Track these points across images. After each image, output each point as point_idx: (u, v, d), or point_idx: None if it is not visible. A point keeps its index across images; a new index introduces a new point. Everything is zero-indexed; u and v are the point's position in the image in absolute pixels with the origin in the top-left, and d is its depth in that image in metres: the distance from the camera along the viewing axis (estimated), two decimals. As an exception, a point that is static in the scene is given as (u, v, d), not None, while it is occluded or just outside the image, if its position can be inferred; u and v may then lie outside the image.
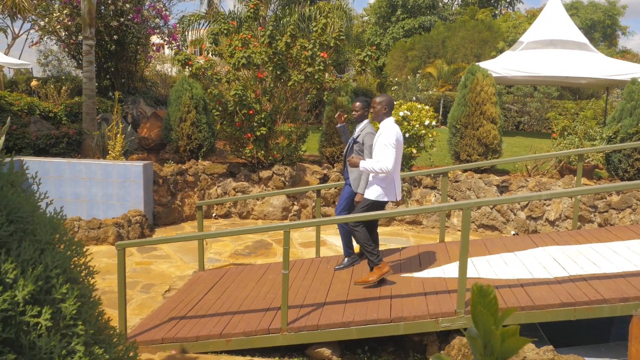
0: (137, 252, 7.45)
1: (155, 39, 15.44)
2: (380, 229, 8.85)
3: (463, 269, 4.39)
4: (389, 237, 8.36)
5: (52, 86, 14.23)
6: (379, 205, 5.12)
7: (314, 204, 9.28)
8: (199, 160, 9.79)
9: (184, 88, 9.87)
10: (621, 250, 5.54)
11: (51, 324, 1.05)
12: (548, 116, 17.61)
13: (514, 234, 8.55)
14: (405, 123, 9.21)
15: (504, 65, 15.01)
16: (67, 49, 14.34)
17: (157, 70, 19.86)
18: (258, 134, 9.23)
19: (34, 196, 1.19)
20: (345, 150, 5.80)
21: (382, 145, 4.95)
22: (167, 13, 14.74)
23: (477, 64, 10.09)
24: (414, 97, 18.51)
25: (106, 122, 10.87)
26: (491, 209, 8.83)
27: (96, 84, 11.10)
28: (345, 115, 6.01)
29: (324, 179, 9.66)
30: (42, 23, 13.34)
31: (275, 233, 8.19)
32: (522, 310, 4.34)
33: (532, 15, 28.43)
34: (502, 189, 8.84)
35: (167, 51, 18.43)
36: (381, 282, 5.26)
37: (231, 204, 9.49)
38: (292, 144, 9.78)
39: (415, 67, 23.11)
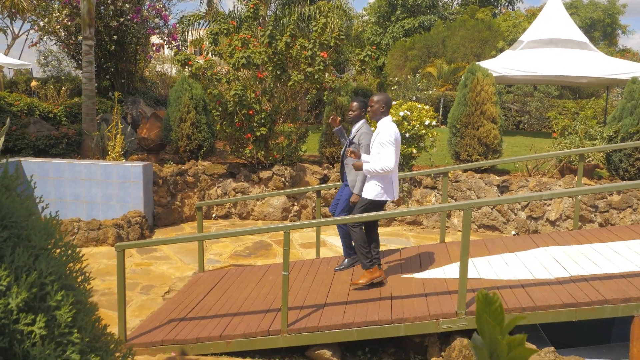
0: (137, 253, 7.43)
1: (155, 39, 15.42)
2: (380, 230, 8.83)
3: (464, 269, 4.37)
4: (389, 238, 8.34)
5: (51, 87, 14.22)
6: (377, 204, 5.10)
7: (314, 205, 9.26)
8: (199, 161, 9.78)
9: (183, 88, 9.85)
10: (622, 250, 5.52)
11: (45, 333, 1.03)
12: (548, 115, 17.60)
13: (514, 234, 8.54)
14: (406, 123, 9.19)
15: (504, 64, 14.99)
16: (66, 49, 14.32)
17: (157, 70, 19.85)
18: (258, 134, 9.21)
19: (29, 200, 1.17)
20: (342, 152, 5.79)
21: (382, 144, 4.93)
22: (167, 13, 14.72)
23: (477, 63, 10.07)
24: (414, 97, 18.48)
25: (106, 122, 10.85)
26: (491, 209, 8.81)
27: (96, 85, 11.09)
28: (339, 118, 5.99)
29: (324, 179, 9.64)
30: (41, 23, 13.32)
31: (275, 234, 8.17)
32: (523, 311, 4.32)
33: (532, 14, 28.42)
34: (503, 189, 8.82)
35: (167, 51, 18.42)
36: (381, 283, 5.25)
37: (231, 204, 9.47)
38: (292, 144, 9.76)
39: (415, 67, 23.09)
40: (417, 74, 21.32)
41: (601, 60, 14.96)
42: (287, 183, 9.38)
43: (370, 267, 5.15)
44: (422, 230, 9.00)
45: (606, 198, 8.31)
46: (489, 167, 9.32)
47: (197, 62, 9.39)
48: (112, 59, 13.51)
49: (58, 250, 1.19)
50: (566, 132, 9.70)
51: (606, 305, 4.30)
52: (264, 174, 9.41)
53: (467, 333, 4.41)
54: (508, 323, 0.97)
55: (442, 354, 4.51)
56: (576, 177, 8.38)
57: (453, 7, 33.87)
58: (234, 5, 31.57)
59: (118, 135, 9.34)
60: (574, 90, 22.58)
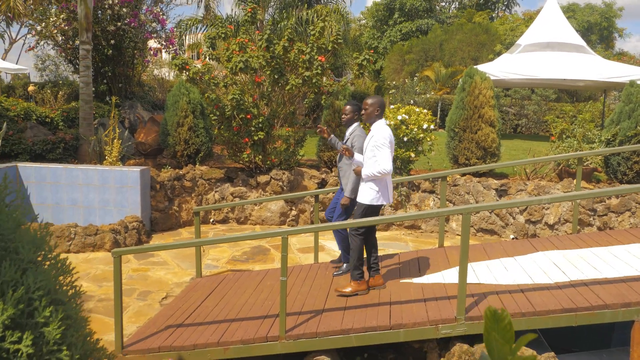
0: (134, 259, 7.39)
1: (152, 44, 15.39)
2: (378, 234, 8.81)
3: (463, 274, 4.34)
4: (387, 242, 8.31)
5: (48, 91, 14.18)
6: (374, 209, 5.06)
7: (312, 209, 9.23)
8: (197, 166, 9.74)
9: (181, 93, 9.82)
10: (622, 254, 5.50)
11: (33, 351, 0.99)
12: (546, 119, 17.61)
13: (513, 238, 8.51)
14: (404, 127, 9.17)
15: (502, 68, 14.99)
16: (64, 54, 14.29)
17: (155, 74, 19.81)
18: (256, 138, 9.19)
19: (18, 210, 1.13)
20: (338, 157, 5.79)
21: (377, 147, 4.89)
22: (165, 17, 14.70)
23: (475, 67, 10.06)
24: (411, 101, 18.48)
25: (103, 127, 10.81)
26: (490, 213, 8.79)
27: (93, 89, 11.05)
28: (326, 128, 6.04)
29: (322, 183, 9.61)
30: (39, 28, 13.29)
31: (273, 238, 8.14)
32: (523, 317, 4.29)
33: (529, 18, 28.48)
34: (501, 192, 8.81)
35: (164, 55, 18.41)
36: (380, 288, 5.22)
37: (229, 209, 9.43)
38: (290, 148, 9.74)
39: (412, 71, 23.10)
40: (415, 78, 21.32)
41: (598, 64, 14.98)
42: (285, 187, 9.35)
43: (359, 279, 5.14)
44: (420, 234, 8.97)
45: (605, 201, 8.30)
46: (488, 170, 9.30)
47: (195, 66, 9.37)
48: (109, 63, 13.48)
49: (47, 263, 1.15)
50: (564, 136, 9.69)
51: (606, 310, 4.27)
52: (262, 179, 9.38)
53: (466, 339, 4.38)
54: (519, 342, 0.94)
55: (442, 359, 4.47)
56: (574, 181, 8.37)
57: (450, 11, 33.94)
58: (232, 10, 31.57)
59: (115, 140, 9.30)
60: (572, 93, 22.61)
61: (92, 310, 5.69)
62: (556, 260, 5.49)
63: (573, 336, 5.13)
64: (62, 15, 12.88)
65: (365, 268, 5.28)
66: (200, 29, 21.35)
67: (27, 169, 8.62)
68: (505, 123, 19.43)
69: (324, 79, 9.58)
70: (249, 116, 9.11)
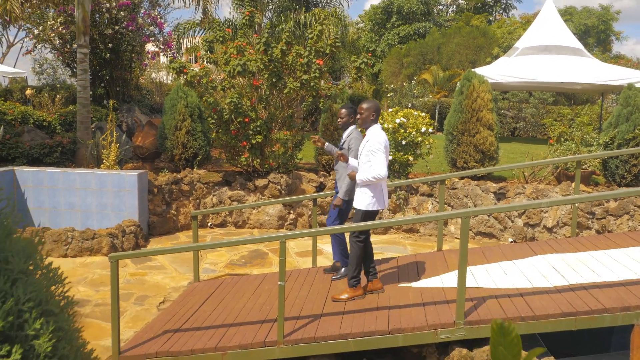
0: (132, 263, 7.36)
1: (150, 47, 15.38)
2: (377, 237, 8.80)
3: (462, 278, 4.32)
4: (385, 246, 8.29)
5: (46, 95, 14.14)
6: (370, 215, 5.05)
7: (310, 213, 9.21)
8: (194, 169, 9.72)
9: (179, 96, 9.80)
10: (621, 257, 5.49)
11: (22, 365, 0.97)
12: (544, 122, 17.63)
13: (511, 242, 8.50)
14: (402, 130, 9.16)
15: (500, 71, 15.01)
16: (61, 57, 14.26)
17: (152, 78, 19.79)
18: (254, 142, 9.17)
19: (8, 219, 1.11)
20: (335, 160, 5.78)
21: (372, 151, 4.87)
22: (162, 21, 14.70)
23: (473, 70, 10.06)
24: (409, 104, 18.49)
25: (100, 130, 10.79)
26: (488, 216, 8.78)
27: (91, 93, 11.03)
28: (319, 138, 6.06)
29: (320, 187, 9.59)
30: (36, 31, 13.27)
31: (271, 242, 8.10)
32: (522, 321, 4.27)
33: (526, 21, 28.56)
34: (500, 196, 8.79)
35: (162, 59, 18.39)
36: (378, 292, 5.20)
37: (227, 212, 9.41)
38: (288, 151, 9.72)
39: (410, 74, 23.10)
40: (413, 81, 21.33)
41: (596, 67, 15.01)
42: (283, 191, 9.33)
43: (355, 285, 5.12)
44: (418, 237, 8.95)
45: (603, 205, 8.29)
46: (486, 174, 9.29)
47: (193, 69, 9.36)
48: (107, 66, 13.46)
49: (39, 273, 1.12)
50: (562, 139, 9.69)
51: (606, 314, 4.25)
52: (260, 182, 9.36)
53: (465, 343, 4.36)
54: (526, 357, 0.91)
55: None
56: (573, 184, 8.37)
57: (448, 14, 34.01)
58: (230, 13, 31.62)
59: (113, 144, 9.28)
60: (569, 96, 22.64)
61: (89, 315, 5.65)
62: (555, 264, 5.47)
63: (572, 340, 5.11)
64: (60, 19, 12.87)
65: (362, 274, 5.27)
66: (198, 32, 21.35)
67: (24, 173, 8.59)
68: (503, 126, 19.45)
69: (322, 82, 9.57)
70: (246, 120, 9.09)
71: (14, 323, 1.00)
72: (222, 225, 9.43)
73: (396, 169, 9.38)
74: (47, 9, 13.42)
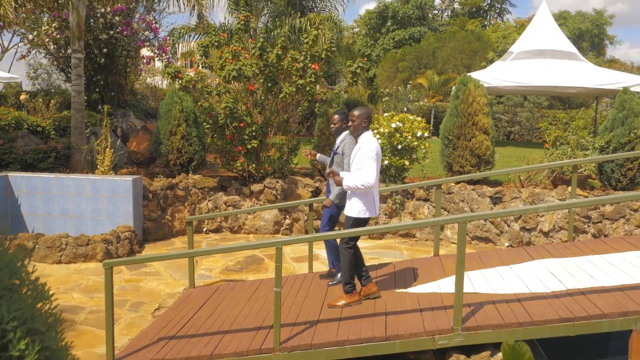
0: (126, 269, 7.30)
1: (145, 52, 15.33)
2: (373, 243, 8.78)
3: (460, 284, 4.29)
4: (382, 251, 8.26)
5: (40, 100, 14.07)
6: (361, 222, 5.02)
7: (306, 218, 9.17)
8: (190, 174, 9.67)
9: (174, 101, 9.76)
10: (618, 262, 5.48)
11: (6, 388, 0.92)
12: (539, 126, 17.66)
13: (508, 246, 8.49)
14: (398, 135, 9.15)
15: (495, 75, 15.05)
16: (56, 63, 14.21)
17: (148, 83, 19.74)
18: (249, 146, 9.14)
19: (-6, 232, 1.06)
20: (328, 165, 5.77)
21: (362, 159, 4.85)
22: (157, 26, 14.66)
23: (468, 74, 10.07)
24: (405, 108, 18.50)
25: (95, 136, 10.73)
26: (485, 220, 8.76)
27: (85, 98, 10.97)
28: (310, 151, 6.06)
29: (316, 192, 9.56)
30: (30, 36, 13.21)
31: (267, 248, 8.06)
32: (520, 327, 4.25)
33: (520, 25, 28.65)
34: (496, 200, 8.78)
35: (157, 64, 18.34)
36: (375, 297, 5.17)
37: (222, 218, 9.36)
38: (283, 156, 9.69)
39: (406, 78, 23.15)
40: (408, 85, 21.37)
41: (590, 71, 15.06)
42: (278, 196, 9.29)
43: (350, 292, 5.10)
44: (415, 242, 8.93)
45: (599, 209, 8.29)
46: (482, 178, 9.28)
47: (188, 74, 9.32)
48: (101, 71, 13.41)
49: (25, 289, 1.07)
50: (558, 143, 9.69)
51: (604, 319, 4.23)
52: (256, 187, 9.32)
53: (463, 349, 4.33)
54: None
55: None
56: (569, 188, 8.36)
57: (443, 19, 34.13)
58: (225, 18, 31.61)
59: (107, 149, 9.22)
60: (564, 100, 22.72)
61: (83, 323, 5.59)
62: (552, 269, 5.46)
63: (570, 345, 5.09)
64: (54, 24, 12.82)
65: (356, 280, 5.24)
66: (193, 37, 21.29)
67: (17, 178, 8.52)
68: (498, 130, 19.49)
69: (318, 86, 9.55)
70: (242, 124, 9.06)
71: (-3, 344, 0.95)
72: (217, 230, 9.38)
73: (392, 173, 9.36)
74: (42, 14, 13.37)
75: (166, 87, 20.58)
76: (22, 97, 15.34)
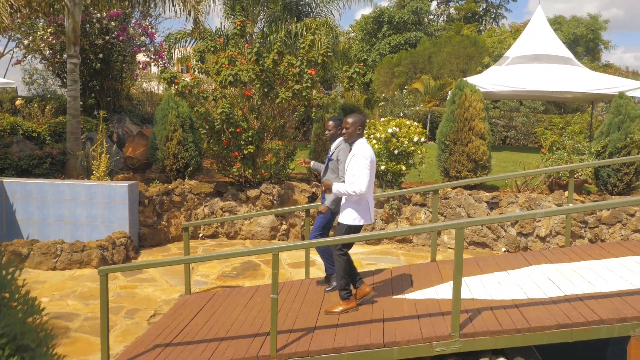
0: (122, 276, 7.25)
1: (141, 57, 15.30)
2: (370, 248, 8.75)
3: (457, 290, 4.27)
4: (379, 256, 8.24)
5: (35, 105, 14.02)
6: (355, 229, 5.00)
7: (302, 223, 9.14)
8: (186, 180, 9.63)
9: (170, 106, 9.73)
10: (615, 267, 5.47)
11: (-5, 407, 0.89)
12: (535, 131, 17.71)
13: (504, 251, 8.48)
14: (394, 140, 9.14)
15: (490, 80, 15.08)
16: (51, 68, 14.16)
17: (144, 88, 19.71)
18: (245, 152, 9.11)
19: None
20: (322, 171, 5.76)
21: (356, 167, 4.83)
22: (153, 31, 14.64)
23: (464, 79, 10.08)
24: (401, 113, 18.52)
25: (91, 141, 10.68)
26: (482, 225, 8.75)
27: (81, 103, 10.92)
28: (303, 159, 6.06)
29: (313, 197, 9.54)
30: (26, 42, 13.17)
31: (263, 254, 8.02)
32: (518, 333, 4.23)
33: (516, 30, 28.79)
34: (492, 205, 8.78)
35: (153, 69, 18.29)
36: (372, 304, 5.14)
37: (218, 223, 9.32)
38: (280, 162, 9.66)
39: (402, 83, 23.19)
40: (404, 90, 21.40)
41: (585, 76, 15.11)
42: (275, 201, 9.26)
43: (347, 297, 5.07)
44: (412, 248, 8.91)
45: (595, 214, 8.30)
46: (479, 183, 9.27)
47: (184, 80, 9.30)
48: (97, 77, 13.37)
49: (15, 304, 1.04)
50: (554, 148, 9.71)
51: (602, 325, 4.21)
52: (252, 193, 9.29)
53: (461, 356, 4.30)
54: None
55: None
56: (565, 192, 8.37)
57: (439, 24, 34.24)
58: (221, 23, 31.64)
59: (103, 155, 9.18)
60: (559, 105, 22.80)
61: (78, 330, 5.55)
62: (550, 274, 5.44)
63: (568, 352, 5.07)
64: (50, 29, 12.78)
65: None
66: (190, 42, 21.28)
67: (12, 184, 8.47)
68: (494, 135, 19.52)
69: (314, 91, 9.54)
70: (238, 130, 9.04)
71: (-15, 361, 0.92)
72: (213, 236, 9.34)
73: (389, 178, 9.35)
74: (37, 19, 13.33)
75: (162, 92, 20.55)
76: (18, 102, 15.28)
